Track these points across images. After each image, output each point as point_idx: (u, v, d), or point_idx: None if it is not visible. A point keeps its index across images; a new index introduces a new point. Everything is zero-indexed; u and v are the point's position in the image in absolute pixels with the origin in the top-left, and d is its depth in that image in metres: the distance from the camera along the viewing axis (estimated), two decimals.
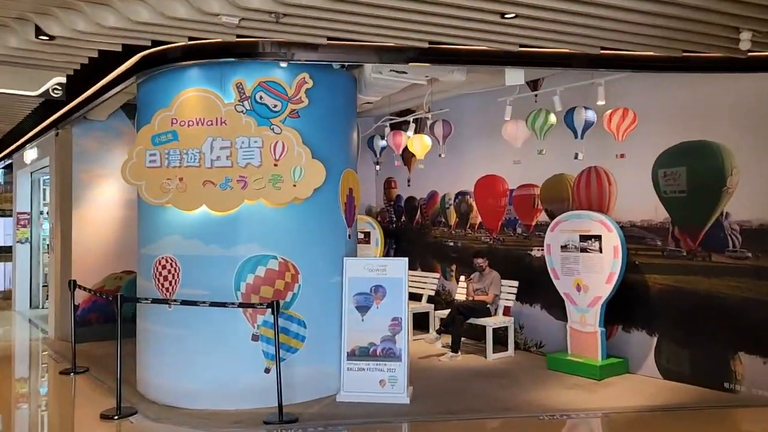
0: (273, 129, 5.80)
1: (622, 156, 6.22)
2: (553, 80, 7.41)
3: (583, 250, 7.13)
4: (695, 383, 6.42)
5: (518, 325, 8.20)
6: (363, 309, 6.16)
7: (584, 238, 7.13)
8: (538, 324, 8.11)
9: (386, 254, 10.56)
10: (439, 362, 7.68)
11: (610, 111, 6.29)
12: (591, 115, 6.41)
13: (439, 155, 8.15)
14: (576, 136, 6.56)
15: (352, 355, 6.12)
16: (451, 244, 9.54)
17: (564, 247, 7.34)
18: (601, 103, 6.28)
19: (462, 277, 8.87)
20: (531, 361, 7.68)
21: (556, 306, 7.82)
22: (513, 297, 8.08)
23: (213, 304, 5.55)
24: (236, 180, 5.75)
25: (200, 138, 5.80)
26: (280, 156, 5.76)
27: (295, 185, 5.78)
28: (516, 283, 8.09)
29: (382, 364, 6.07)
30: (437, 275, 9.49)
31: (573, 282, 7.23)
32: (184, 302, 5.62)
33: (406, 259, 6.21)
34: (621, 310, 7.04)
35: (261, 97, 5.81)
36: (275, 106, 5.84)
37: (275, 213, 5.91)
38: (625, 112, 6.15)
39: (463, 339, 7.99)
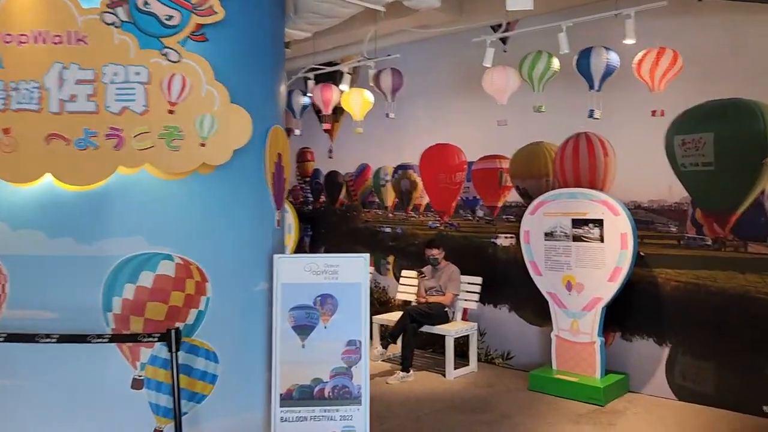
0: (167, 55, 3.64)
1: (655, 113, 4.71)
2: (527, 23, 5.73)
3: (577, 238, 5.57)
4: (723, 406, 5.08)
5: (479, 332, 6.57)
6: (304, 330, 4.20)
7: (579, 223, 5.57)
8: (506, 330, 6.52)
9: (300, 243, 8.56)
10: (387, 386, 5.88)
11: (642, 53, 4.69)
12: (614, 58, 4.80)
13: (387, 115, 6.27)
14: (591, 87, 4.92)
15: (288, 398, 4.15)
16: (388, 230, 7.73)
17: (549, 235, 5.76)
18: (629, 41, 4.67)
19: (405, 273, 7.09)
20: (503, 379, 6.07)
21: (530, 308, 6.27)
22: (476, 297, 6.42)
23: (64, 339, 3.36)
24: (104, 135, 3.55)
25: (41, 64, 3.54)
26: (178, 97, 3.63)
27: (203, 144, 3.68)
28: (479, 280, 6.44)
29: (333, 410, 4.16)
30: (369, 269, 7.63)
31: (561, 279, 5.68)
32: (11, 337, 3.37)
33: (367, 255, 4.31)
34: (620, 312, 5.58)
35: (147, 2, 3.63)
36: (169, 17, 3.68)
37: (170, 188, 3.79)
38: (660, 52, 4.59)
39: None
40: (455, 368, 6.14)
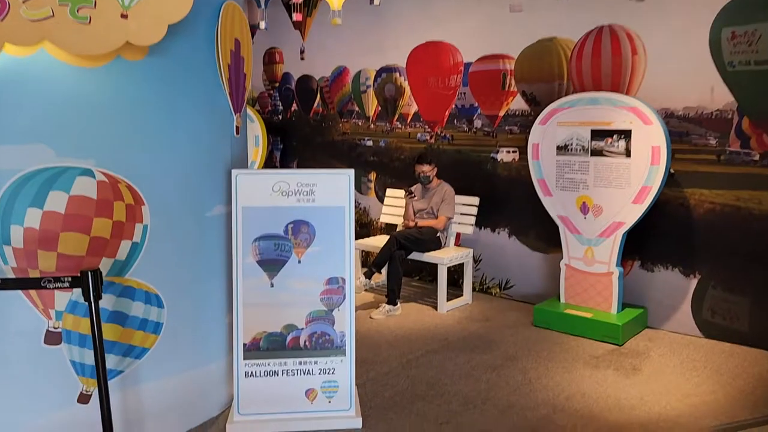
0: None
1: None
2: None
3: (597, 152, 4.71)
4: (758, 345, 4.43)
5: (474, 259, 5.79)
6: (272, 266, 3.33)
7: (600, 134, 4.69)
8: (504, 257, 5.75)
9: (269, 158, 7.59)
10: (372, 322, 5.12)
11: None
12: None
13: (371, 1, 5.17)
14: None
15: (253, 350, 3.33)
16: (369, 143, 6.78)
17: (563, 149, 4.88)
18: None
19: (390, 192, 6.22)
20: (502, 312, 5.35)
21: (534, 232, 5.49)
22: (472, 221, 5.59)
23: None
24: None
25: None
26: None
27: (124, 15, 2.64)
28: (476, 201, 5.59)
29: (311, 362, 3.37)
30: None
31: (576, 200, 4.86)
32: None
33: (351, 171, 3.38)
34: (641, 238, 4.83)
35: None
36: None
37: (85, 79, 2.78)
38: None
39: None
40: (447, 300, 5.39)
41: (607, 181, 4.67)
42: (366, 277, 5.30)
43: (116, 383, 2.99)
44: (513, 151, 5.60)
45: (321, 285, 3.35)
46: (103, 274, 2.80)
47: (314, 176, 3.33)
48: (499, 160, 5.70)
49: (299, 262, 3.34)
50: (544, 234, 5.40)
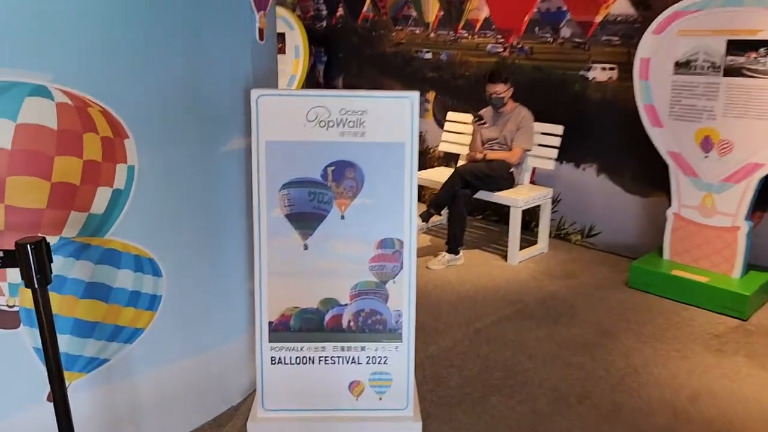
0: None
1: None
2: None
3: (734, 71, 3.60)
4: None
5: (552, 199, 4.83)
6: (307, 222, 2.46)
7: (739, 46, 3.56)
8: (590, 198, 4.77)
9: (311, 72, 6.63)
10: (429, 273, 4.29)
11: None
12: None
13: None
14: None
15: (281, 330, 2.53)
16: (428, 55, 5.72)
17: (684, 66, 3.78)
18: None
19: (452, 116, 5.23)
20: (587, 266, 4.43)
21: (631, 170, 4.48)
22: (553, 154, 4.59)
23: None
24: None
25: None
26: None
27: None
28: (559, 130, 4.57)
29: (356, 347, 2.55)
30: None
31: (695, 134, 3.80)
32: None
33: (415, 95, 2.43)
34: None
35: None
36: None
37: None
38: None
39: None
40: (519, 248, 4.49)
41: (743, 109, 3.58)
42: (423, 220, 4.41)
43: (99, 375, 2.25)
44: (610, 68, 4.49)
45: (371, 249, 2.48)
46: (75, 234, 2.01)
47: (365, 101, 2.39)
48: (591, 79, 4.60)
49: (342, 217, 2.46)
50: (644, 173, 4.38)
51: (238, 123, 2.49)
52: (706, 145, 3.77)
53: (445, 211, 4.63)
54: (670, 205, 4.02)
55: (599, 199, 4.70)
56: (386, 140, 2.43)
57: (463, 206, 4.37)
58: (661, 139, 3.95)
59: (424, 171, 5.16)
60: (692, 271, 3.87)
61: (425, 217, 4.41)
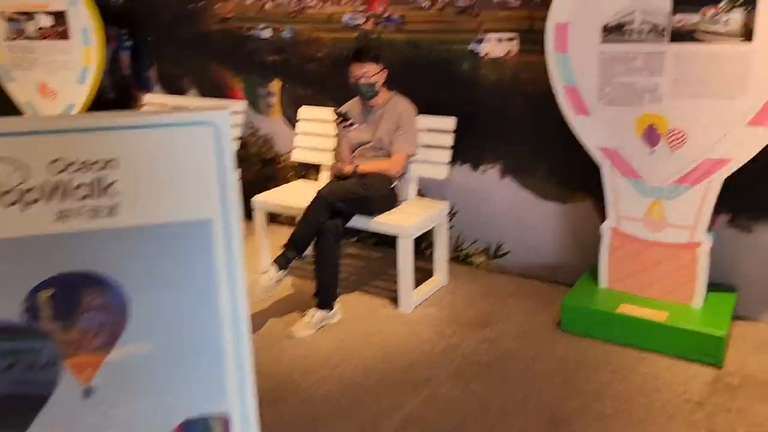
0: None
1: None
2: None
3: (684, 35, 2.63)
4: None
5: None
6: (5, 416, 1.10)
7: (688, 0, 2.60)
8: (493, 207, 3.71)
9: (113, 62, 5.04)
10: (291, 344, 3.03)
11: None
12: None
13: None
14: None
15: None
16: (267, 34, 4.36)
17: (615, 31, 2.77)
18: None
19: (306, 112, 3.96)
20: (501, 300, 3.37)
21: (544, 169, 3.48)
22: (445, 157, 3.46)
23: None
24: None
25: None
26: None
27: None
28: (451, 123, 3.45)
29: None
30: (240, 102, 4.36)
31: (636, 122, 2.83)
32: None
33: (226, 112, 1.14)
34: (738, 184, 2.89)
35: None
36: None
37: None
38: None
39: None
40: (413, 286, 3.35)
41: (699, 86, 2.64)
42: (280, 267, 3.11)
43: None
44: (509, 39, 3.41)
45: None
46: None
47: (113, 137, 1.06)
48: (483, 54, 3.51)
49: (88, 392, 1.13)
50: (560, 172, 3.40)
51: None
52: (651, 136, 2.81)
53: (310, 249, 3.33)
54: (603, 217, 3.05)
55: (505, 209, 3.65)
56: (169, 219, 1.12)
57: (334, 243, 3.13)
58: (589, 132, 2.94)
59: (274, 189, 3.84)
60: (642, 303, 2.93)
61: (282, 263, 3.11)
